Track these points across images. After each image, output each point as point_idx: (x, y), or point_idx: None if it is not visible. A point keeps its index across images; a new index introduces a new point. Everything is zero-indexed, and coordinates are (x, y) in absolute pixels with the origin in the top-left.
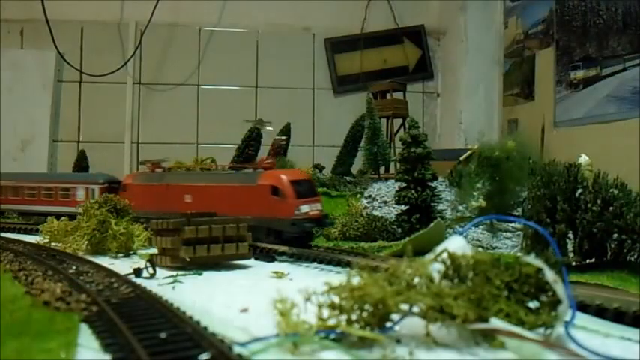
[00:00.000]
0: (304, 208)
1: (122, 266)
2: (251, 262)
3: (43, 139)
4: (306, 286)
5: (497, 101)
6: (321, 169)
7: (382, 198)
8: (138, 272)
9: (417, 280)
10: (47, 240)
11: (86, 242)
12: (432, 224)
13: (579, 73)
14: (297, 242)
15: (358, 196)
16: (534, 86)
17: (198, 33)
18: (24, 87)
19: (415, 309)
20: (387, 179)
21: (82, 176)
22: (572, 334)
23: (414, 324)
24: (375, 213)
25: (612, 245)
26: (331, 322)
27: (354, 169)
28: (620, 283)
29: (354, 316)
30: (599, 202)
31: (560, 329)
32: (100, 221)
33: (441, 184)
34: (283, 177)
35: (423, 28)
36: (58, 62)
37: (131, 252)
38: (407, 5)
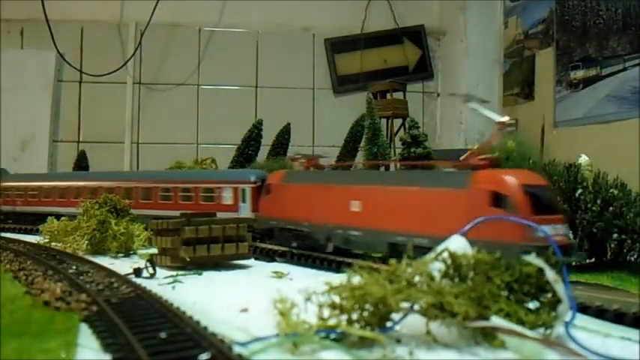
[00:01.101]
0: (544, 230)
1: (122, 266)
2: (251, 262)
3: (43, 139)
4: (306, 286)
5: (497, 101)
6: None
7: None
8: (138, 272)
9: (417, 278)
10: (47, 240)
11: (86, 242)
12: None
13: (579, 73)
14: None
15: None
16: (534, 86)
17: (198, 33)
18: (24, 87)
19: (416, 307)
20: None
21: (230, 174)
22: (572, 333)
23: (414, 324)
24: None
25: (612, 245)
26: (331, 322)
27: None
28: (620, 283)
29: (354, 316)
30: (599, 202)
31: (560, 329)
32: (100, 221)
33: None
34: (511, 179)
35: (423, 28)
36: (58, 62)
37: (131, 252)
38: (407, 5)
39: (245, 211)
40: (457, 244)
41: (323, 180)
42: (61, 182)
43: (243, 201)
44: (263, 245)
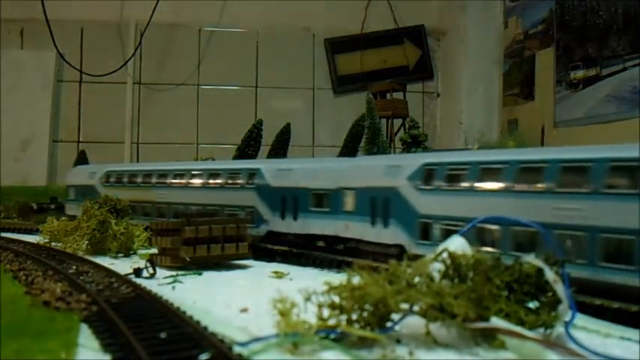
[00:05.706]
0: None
1: (122, 266)
2: (251, 262)
3: (43, 139)
4: (306, 286)
5: (497, 101)
6: None
7: None
8: (138, 272)
9: (417, 279)
10: (47, 240)
11: (86, 242)
12: None
13: (579, 73)
14: None
15: None
16: (534, 86)
17: (198, 33)
18: (24, 87)
19: (415, 308)
20: None
21: None
22: (572, 333)
23: (414, 324)
24: None
25: None
26: (331, 322)
27: None
28: None
29: (354, 316)
30: None
31: (560, 329)
32: (100, 221)
33: None
34: None
35: (423, 28)
36: (58, 62)
37: (131, 252)
38: (407, 5)
39: None
40: (457, 244)
41: None
42: None
43: None
44: (263, 245)
